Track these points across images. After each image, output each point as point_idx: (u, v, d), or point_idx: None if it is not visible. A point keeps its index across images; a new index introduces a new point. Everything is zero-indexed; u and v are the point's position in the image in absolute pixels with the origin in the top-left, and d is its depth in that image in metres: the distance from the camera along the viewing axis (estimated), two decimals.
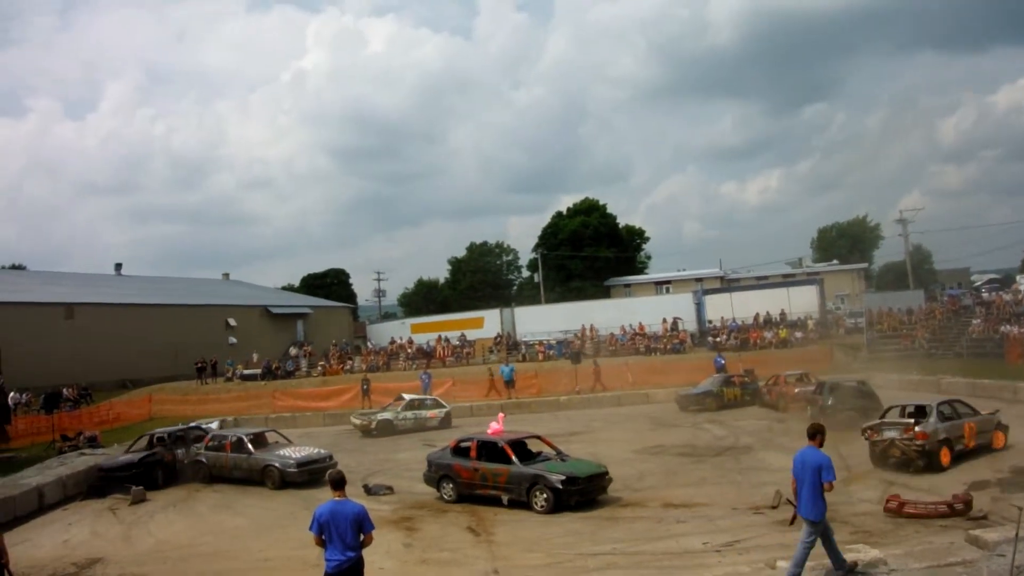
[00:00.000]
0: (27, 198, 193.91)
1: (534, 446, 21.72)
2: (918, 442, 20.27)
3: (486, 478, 20.08)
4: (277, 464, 23.88)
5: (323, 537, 10.02)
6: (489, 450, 20.64)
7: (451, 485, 20.79)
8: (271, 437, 26.63)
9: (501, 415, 23.78)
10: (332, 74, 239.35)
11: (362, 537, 10.06)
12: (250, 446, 24.74)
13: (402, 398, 37.09)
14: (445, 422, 36.27)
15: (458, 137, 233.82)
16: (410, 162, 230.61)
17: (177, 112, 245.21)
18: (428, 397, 38.84)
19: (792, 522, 11.73)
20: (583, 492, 19.20)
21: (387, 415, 35.40)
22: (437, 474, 21.26)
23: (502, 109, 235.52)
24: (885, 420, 22.23)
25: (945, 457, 20.59)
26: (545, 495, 18.93)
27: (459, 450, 21.27)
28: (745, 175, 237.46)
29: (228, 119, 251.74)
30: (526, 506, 19.17)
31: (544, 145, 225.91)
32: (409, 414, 35.84)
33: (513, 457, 19.97)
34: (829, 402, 28.73)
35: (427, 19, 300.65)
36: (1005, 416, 23.75)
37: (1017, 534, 11.31)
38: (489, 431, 21.74)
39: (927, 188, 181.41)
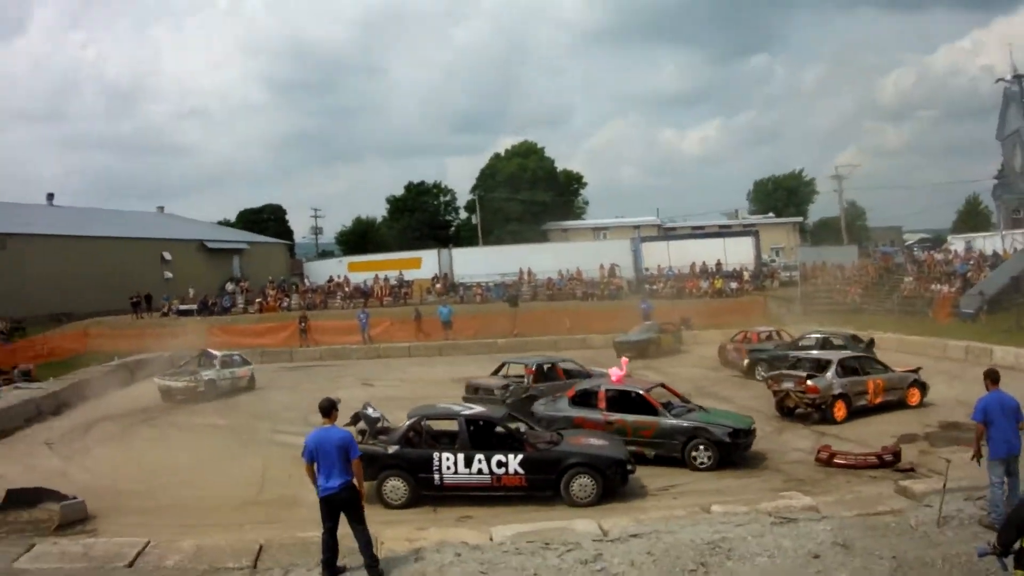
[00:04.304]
0: None
1: (662, 396, 19.28)
2: (809, 395, 20.91)
3: (624, 432, 17.63)
4: None
5: (315, 465, 10.17)
6: (625, 400, 18.53)
7: None
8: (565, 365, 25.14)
9: (624, 359, 21.74)
10: (270, 3, 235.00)
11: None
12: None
13: (212, 354, 30.82)
14: (252, 382, 31.39)
15: (398, 73, 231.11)
16: (349, 97, 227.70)
17: (109, 38, 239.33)
18: (235, 353, 32.56)
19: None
20: (747, 446, 17.74)
21: (211, 374, 29.24)
22: (551, 429, 17.73)
23: (443, 46, 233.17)
24: (784, 371, 22.90)
25: (840, 411, 21.19)
26: (708, 450, 17.15)
27: (581, 400, 18.96)
28: (685, 123, 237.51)
29: (163, 46, 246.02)
30: (679, 463, 17.35)
31: (485, 85, 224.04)
32: (227, 372, 30.18)
33: (659, 408, 18.03)
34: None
35: None
36: (927, 373, 24.34)
37: (944, 486, 11.75)
38: (612, 378, 19.48)
39: (864, 145, 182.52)
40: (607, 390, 18.61)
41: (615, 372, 19.72)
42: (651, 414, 17.83)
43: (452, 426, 15.95)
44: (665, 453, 17.45)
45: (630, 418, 17.86)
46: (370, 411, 16.88)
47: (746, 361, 29.38)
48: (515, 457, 14.98)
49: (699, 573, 10.01)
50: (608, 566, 10.29)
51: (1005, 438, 11.26)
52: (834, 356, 22.83)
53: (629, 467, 15.36)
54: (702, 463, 17.10)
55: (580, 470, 14.83)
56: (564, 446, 15.53)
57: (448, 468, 15.09)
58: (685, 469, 17.17)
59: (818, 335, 30.00)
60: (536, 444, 15.44)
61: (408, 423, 16.05)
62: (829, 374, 21.58)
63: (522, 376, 24.82)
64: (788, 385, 21.65)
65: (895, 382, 22.71)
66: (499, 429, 15.80)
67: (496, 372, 26.19)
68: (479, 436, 15.84)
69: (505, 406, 20.97)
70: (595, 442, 15.91)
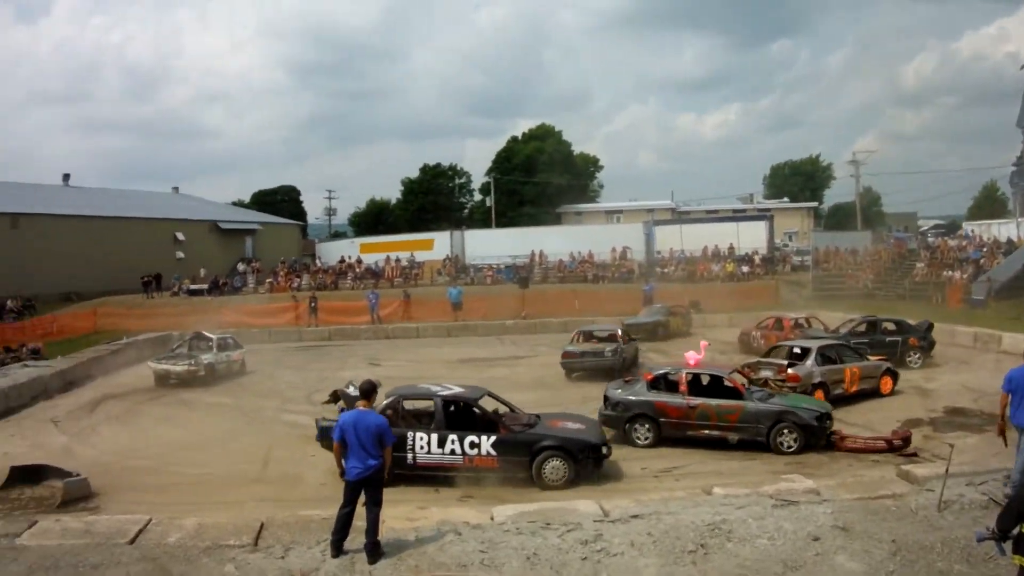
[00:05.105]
0: None
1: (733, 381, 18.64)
2: (790, 384, 20.50)
3: (708, 416, 17.38)
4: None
5: (344, 444, 10.18)
6: (708, 384, 18.27)
7: (648, 426, 17.84)
8: None
9: (704, 343, 21.33)
10: None
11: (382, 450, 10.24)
12: None
13: (207, 337, 29.53)
14: (243, 366, 30.31)
15: (419, 56, 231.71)
16: (369, 80, 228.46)
17: (133, 20, 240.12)
18: (229, 336, 31.08)
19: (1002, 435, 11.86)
20: (829, 430, 17.34)
21: (210, 358, 28.19)
22: (626, 414, 18.05)
23: (464, 29, 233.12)
24: (763, 360, 22.82)
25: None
26: (794, 434, 16.87)
27: (661, 384, 18.39)
28: (704, 108, 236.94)
29: (185, 29, 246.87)
30: (763, 447, 17.03)
31: (505, 68, 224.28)
32: (223, 355, 29.01)
33: (744, 392, 17.68)
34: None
35: None
36: (937, 359, 24.11)
37: (947, 470, 11.68)
38: (691, 362, 18.85)
39: (882, 131, 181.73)
40: (688, 374, 18.18)
41: (692, 356, 19.17)
42: (736, 398, 17.56)
43: (429, 406, 15.93)
44: (750, 437, 17.19)
45: (714, 402, 17.53)
46: (350, 390, 16.85)
47: None
48: (488, 438, 14.99)
49: (699, 554, 9.97)
50: (608, 546, 10.26)
51: None
52: (813, 345, 22.50)
53: (604, 451, 15.32)
54: (789, 446, 16.88)
55: (552, 453, 14.79)
56: (539, 429, 15.53)
57: (422, 447, 15.08)
58: (690, 452, 17.14)
59: (868, 320, 29.17)
60: (511, 426, 15.42)
61: (386, 402, 15.89)
62: (809, 362, 21.37)
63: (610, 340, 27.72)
64: (767, 373, 21.30)
65: (869, 370, 22.52)
66: (475, 410, 15.73)
67: (572, 341, 28.34)
68: (455, 417, 15.85)
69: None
70: (571, 425, 15.87)
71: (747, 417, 17.16)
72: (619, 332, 28.47)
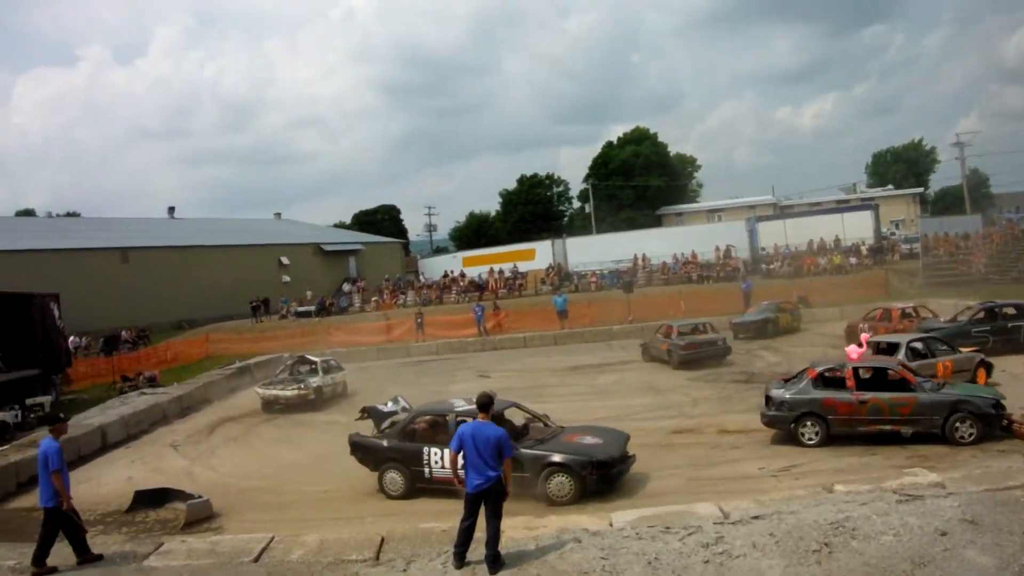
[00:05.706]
0: (80, 146, 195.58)
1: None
2: None
3: (880, 411, 16.70)
4: None
5: (462, 455, 10.21)
6: (876, 377, 17.62)
7: (815, 424, 17.19)
8: None
9: (865, 336, 20.47)
10: (381, 9, 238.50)
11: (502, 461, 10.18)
12: None
13: (310, 360, 29.70)
14: (345, 388, 29.87)
15: (508, 69, 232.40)
16: (460, 96, 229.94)
17: (225, 54, 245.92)
18: (330, 358, 31.21)
19: None
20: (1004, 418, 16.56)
21: (318, 381, 27.80)
22: (792, 413, 17.40)
23: (553, 39, 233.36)
24: None
25: None
26: (969, 422, 16.15)
27: (826, 381, 17.71)
28: (800, 100, 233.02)
29: (277, 59, 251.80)
30: (937, 439, 16.26)
31: (595, 74, 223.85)
32: (328, 378, 28.63)
33: (916, 383, 16.87)
34: None
35: None
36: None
37: None
38: (854, 355, 18.00)
39: (986, 110, 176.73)
40: (855, 368, 17.48)
41: (855, 350, 18.27)
42: (907, 390, 16.79)
43: (446, 422, 15.91)
44: (924, 430, 16.42)
45: (885, 396, 16.76)
46: (388, 406, 17.58)
47: None
48: None
49: (823, 553, 9.72)
50: (730, 548, 10.08)
51: None
52: (902, 339, 21.60)
53: (618, 467, 14.98)
54: (966, 436, 16.11)
55: (556, 469, 14.58)
56: (550, 444, 15.31)
57: (436, 462, 15.32)
58: (808, 450, 16.77)
59: (986, 306, 27.60)
60: (520, 442, 15.11)
61: (407, 417, 16.40)
62: (900, 356, 20.28)
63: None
64: None
65: (963, 363, 21.28)
66: None
67: (665, 335, 30.65)
68: None
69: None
70: (588, 440, 15.52)
71: (921, 409, 16.46)
72: (710, 323, 31.83)
